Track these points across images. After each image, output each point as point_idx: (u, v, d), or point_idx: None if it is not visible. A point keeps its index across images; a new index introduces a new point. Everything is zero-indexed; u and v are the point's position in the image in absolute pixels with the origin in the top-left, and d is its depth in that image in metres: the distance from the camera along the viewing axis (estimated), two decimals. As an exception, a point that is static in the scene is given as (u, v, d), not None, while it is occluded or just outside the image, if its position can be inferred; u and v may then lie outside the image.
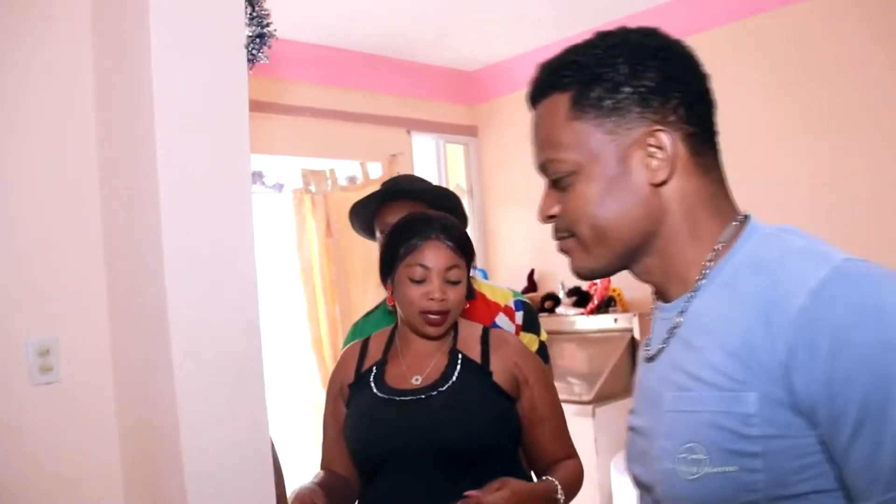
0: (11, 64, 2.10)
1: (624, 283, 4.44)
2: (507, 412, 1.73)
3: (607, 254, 1.03)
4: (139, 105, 1.94)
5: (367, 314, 2.35)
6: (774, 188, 3.88)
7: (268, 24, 2.09)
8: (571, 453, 1.80)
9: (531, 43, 4.75)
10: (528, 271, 4.89)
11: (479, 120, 5.34)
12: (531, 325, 2.16)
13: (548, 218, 1.07)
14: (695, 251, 1.00)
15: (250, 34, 2.00)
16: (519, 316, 2.15)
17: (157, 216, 1.89)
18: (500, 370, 1.74)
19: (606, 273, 1.07)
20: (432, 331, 1.75)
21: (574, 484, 1.75)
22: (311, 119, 4.35)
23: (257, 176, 4.26)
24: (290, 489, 2.41)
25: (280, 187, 4.34)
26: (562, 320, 4.43)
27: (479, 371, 1.73)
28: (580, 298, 4.49)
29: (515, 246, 5.13)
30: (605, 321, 4.28)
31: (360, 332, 2.29)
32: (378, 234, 2.21)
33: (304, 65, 4.33)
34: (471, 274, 1.90)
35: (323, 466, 1.96)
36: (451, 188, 5.21)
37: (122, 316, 2.14)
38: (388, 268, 1.83)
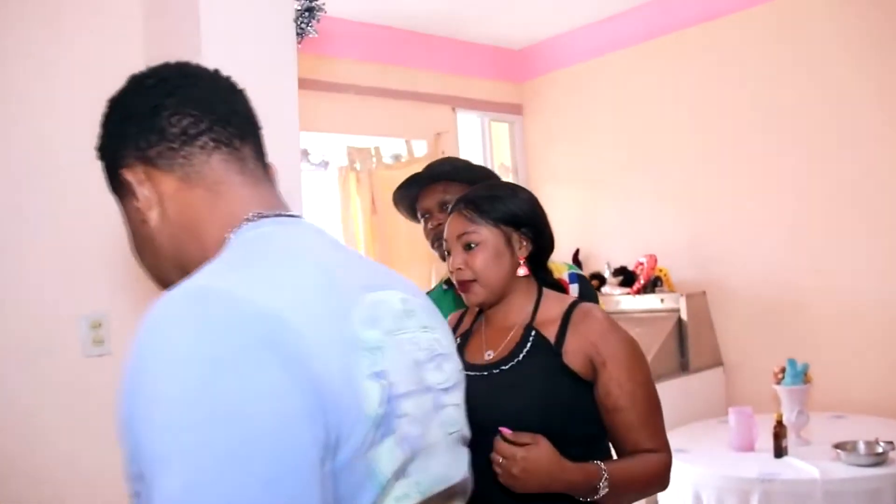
0: (62, 42, 2.12)
1: (671, 263, 4.38)
2: (577, 395, 1.60)
3: None
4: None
5: (428, 292, 2.35)
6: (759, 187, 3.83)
7: (316, -1, 2.08)
8: (657, 447, 1.61)
9: (577, 20, 4.68)
10: (573, 251, 4.85)
11: (525, 98, 5.29)
12: (587, 300, 2.10)
13: None
14: None
15: (299, 7, 1.99)
16: (574, 289, 2.08)
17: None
18: (574, 350, 1.60)
19: None
20: (468, 300, 1.70)
21: (642, 479, 1.59)
22: (357, 96, 4.34)
23: (303, 153, 4.27)
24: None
25: (325, 165, 4.35)
26: (607, 300, 4.38)
27: (548, 351, 1.61)
28: (626, 278, 4.45)
29: (561, 225, 5.04)
30: (651, 301, 4.24)
31: None
32: (420, 219, 2.22)
33: (350, 42, 4.32)
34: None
35: None
36: (496, 167, 5.18)
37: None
38: None
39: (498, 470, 1.49)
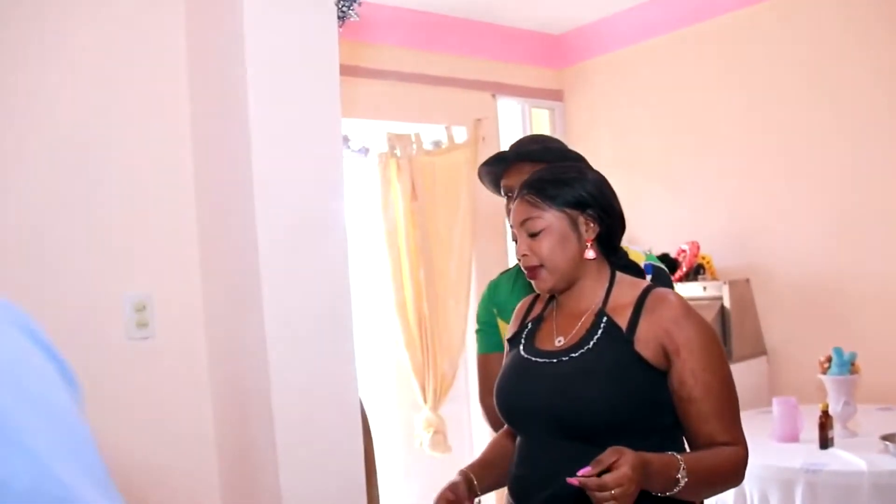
0: (105, 18, 2.14)
1: (714, 249, 4.33)
2: (650, 385, 1.54)
3: None
4: (231, 61, 1.95)
5: (504, 272, 2.33)
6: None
7: (357, -18, 2.08)
8: (733, 440, 1.54)
9: (618, 5, 4.61)
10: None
11: (565, 84, 5.24)
12: None
13: None
14: None
15: (340, -9, 1.99)
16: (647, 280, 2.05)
17: (248, 175, 1.91)
18: (646, 338, 1.55)
19: None
20: (537, 287, 1.67)
21: (719, 472, 1.53)
22: (397, 83, 4.33)
23: (343, 140, 4.27)
24: (378, 449, 2.43)
25: (366, 151, 4.35)
26: (648, 288, 4.33)
27: (619, 338, 1.56)
28: (668, 265, 4.39)
29: (601, 212, 5.02)
30: (693, 289, 4.18)
31: (495, 288, 2.27)
32: (504, 196, 2.19)
33: (390, 28, 4.31)
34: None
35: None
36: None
37: (214, 272, 2.18)
38: None
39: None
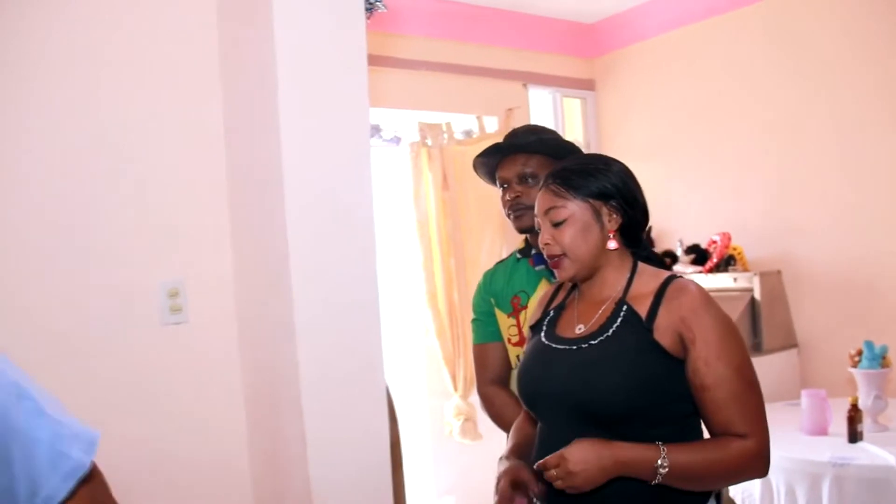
0: (137, 14, 2.18)
1: (746, 240, 4.30)
2: (668, 373, 1.56)
3: None
4: (261, 54, 1.99)
5: (501, 261, 2.35)
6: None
7: (386, -26, 2.10)
8: (749, 430, 1.53)
9: (654, -8, 4.60)
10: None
11: (597, 73, 5.22)
12: None
13: None
14: None
15: (368, -17, 2.01)
16: None
17: (278, 165, 1.94)
18: (664, 326, 1.56)
19: None
20: (559, 275, 1.69)
21: (717, 464, 1.52)
22: (428, 72, 4.35)
23: (374, 129, 4.30)
24: (404, 435, 2.47)
25: (397, 140, 4.38)
26: (679, 279, 4.31)
27: (639, 326, 1.58)
28: (699, 256, 4.38)
29: (632, 202, 5.00)
30: (724, 280, 4.17)
31: (492, 277, 2.29)
32: (499, 187, 2.20)
33: (421, 18, 4.32)
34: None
35: None
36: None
37: (245, 258, 2.22)
38: None
39: (559, 483, 1.49)
